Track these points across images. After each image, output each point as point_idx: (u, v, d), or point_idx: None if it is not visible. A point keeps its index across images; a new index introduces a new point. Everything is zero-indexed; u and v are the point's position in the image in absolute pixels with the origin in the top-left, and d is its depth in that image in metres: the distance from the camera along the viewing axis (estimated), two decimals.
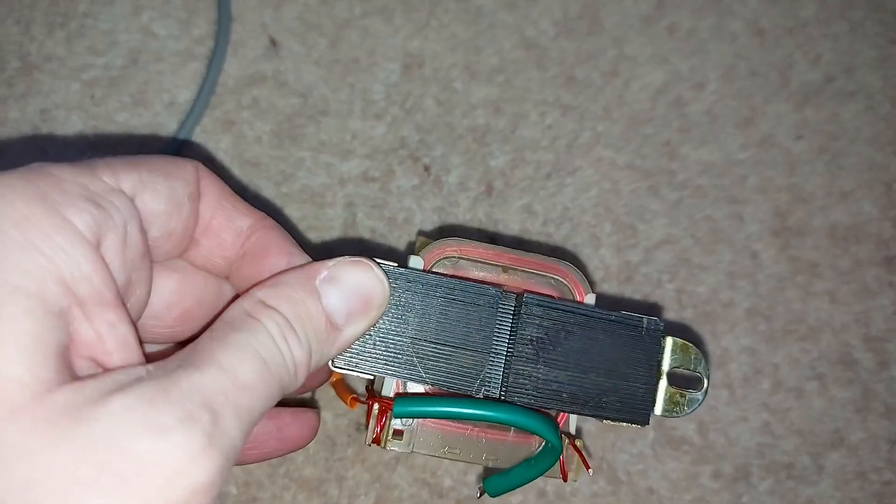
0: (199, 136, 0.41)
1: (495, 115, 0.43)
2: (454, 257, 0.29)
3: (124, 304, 0.20)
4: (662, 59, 0.45)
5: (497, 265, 0.29)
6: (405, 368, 0.26)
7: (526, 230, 0.42)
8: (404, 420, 0.28)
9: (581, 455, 0.29)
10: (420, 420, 0.28)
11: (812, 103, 0.46)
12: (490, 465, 0.29)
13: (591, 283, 0.30)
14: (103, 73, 0.42)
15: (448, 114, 0.43)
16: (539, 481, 0.39)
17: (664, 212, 0.43)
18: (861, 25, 0.47)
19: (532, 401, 0.27)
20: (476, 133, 0.43)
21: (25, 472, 0.16)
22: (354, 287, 0.24)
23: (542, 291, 0.29)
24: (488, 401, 0.27)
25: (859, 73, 0.46)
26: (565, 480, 0.28)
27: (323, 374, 0.30)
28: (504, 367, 0.27)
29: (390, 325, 0.26)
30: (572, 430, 0.29)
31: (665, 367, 0.28)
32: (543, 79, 0.44)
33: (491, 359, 0.27)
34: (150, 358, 0.20)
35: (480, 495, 0.31)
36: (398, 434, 0.28)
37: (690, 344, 0.29)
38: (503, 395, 0.27)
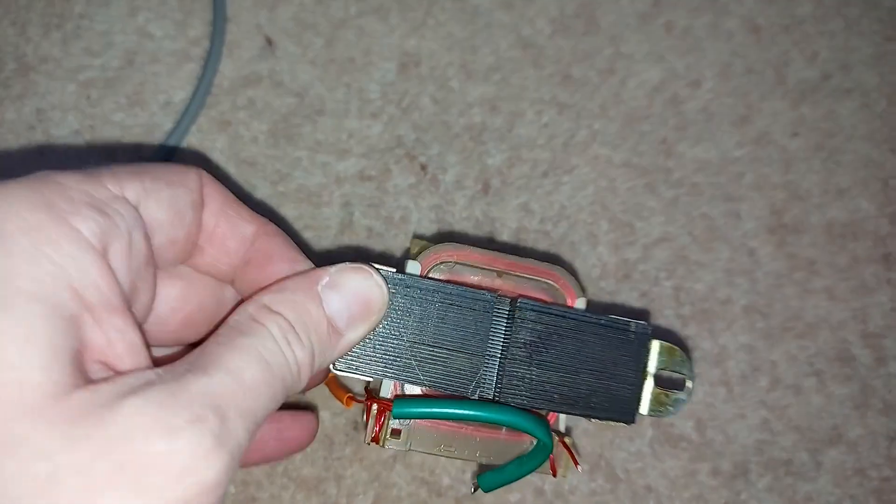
0: (194, 137, 0.41)
1: (492, 113, 0.43)
2: (450, 262, 0.30)
3: (131, 310, 0.20)
4: (659, 56, 0.45)
5: (492, 270, 0.30)
6: (403, 371, 0.27)
7: (523, 228, 0.42)
8: (402, 421, 0.29)
9: (570, 452, 0.30)
10: (417, 421, 0.29)
11: (808, 101, 0.46)
12: (484, 461, 0.30)
13: (583, 288, 0.31)
14: (99, 74, 0.42)
15: (444, 112, 0.43)
16: (537, 480, 0.39)
17: (661, 209, 0.43)
18: (857, 23, 0.47)
19: (525, 402, 0.28)
20: (472, 132, 0.43)
21: (47, 470, 0.16)
22: (355, 292, 0.24)
23: (535, 296, 0.30)
24: (483, 402, 0.27)
25: (856, 70, 0.46)
26: (555, 476, 0.29)
27: (322, 375, 0.31)
28: (498, 370, 0.28)
29: (389, 329, 0.27)
30: (562, 429, 0.30)
31: (651, 368, 0.29)
32: (540, 77, 0.44)
33: (486, 361, 0.27)
34: (157, 362, 0.20)
35: (475, 490, 0.31)
36: (396, 433, 0.29)
37: (676, 347, 0.30)
38: (497, 397, 0.28)
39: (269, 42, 0.43)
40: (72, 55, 0.42)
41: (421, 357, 0.27)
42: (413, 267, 0.29)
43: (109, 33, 0.42)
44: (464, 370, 0.27)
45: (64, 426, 0.17)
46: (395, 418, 0.28)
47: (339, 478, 0.38)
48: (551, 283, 0.30)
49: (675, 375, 0.30)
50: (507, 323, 0.28)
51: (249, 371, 0.20)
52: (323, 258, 0.40)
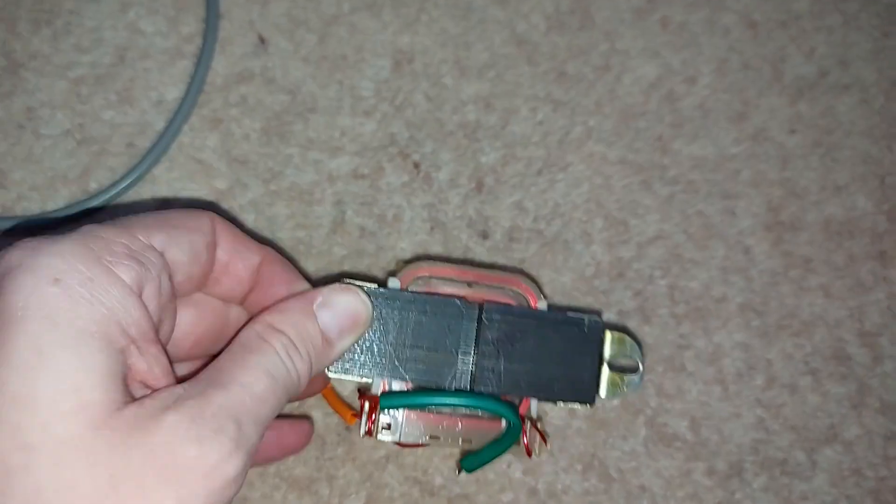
0: (186, 135, 0.41)
1: (486, 111, 0.43)
2: (426, 276, 0.34)
3: (160, 339, 0.25)
4: (654, 52, 0.45)
5: (463, 281, 0.34)
6: (388, 370, 0.31)
7: (516, 227, 0.41)
8: (392, 414, 0.32)
9: (541, 434, 0.33)
10: (405, 414, 0.32)
11: (806, 97, 0.45)
12: (466, 447, 0.33)
13: (544, 293, 0.35)
14: (90, 71, 0.41)
15: (438, 110, 0.43)
16: (531, 482, 0.38)
17: (656, 207, 0.43)
18: (855, 18, 0.47)
19: (496, 390, 0.32)
20: (466, 129, 0.43)
21: (109, 471, 0.21)
22: (344, 309, 0.29)
23: (501, 301, 0.34)
24: (459, 391, 0.32)
25: (854, 66, 0.46)
26: (529, 456, 0.33)
27: (319, 384, 0.35)
28: (472, 364, 0.32)
29: (374, 335, 0.31)
30: (534, 415, 0.33)
31: (606, 356, 0.33)
32: (534, 74, 0.44)
33: (460, 357, 0.32)
34: (179, 378, 0.25)
35: (459, 472, 0.35)
36: (387, 426, 0.32)
37: (626, 336, 0.34)
38: (471, 386, 0.32)
39: (262, 39, 0.43)
40: (62, 52, 0.41)
41: (403, 357, 0.31)
42: (393, 283, 0.33)
43: (100, 30, 0.42)
44: (441, 366, 0.31)
45: (121, 436, 0.21)
46: (383, 408, 0.31)
47: (332, 478, 0.38)
48: (515, 289, 0.34)
49: (629, 360, 0.34)
50: (476, 324, 0.32)
51: (259, 385, 0.24)
52: (317, 259, 0.40)
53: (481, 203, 0.42)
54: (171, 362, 0.25)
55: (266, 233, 0.40)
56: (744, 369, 0.41)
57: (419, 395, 0.31)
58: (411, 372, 0.31)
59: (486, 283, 0.34)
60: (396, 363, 0.31)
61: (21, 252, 0.23)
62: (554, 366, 0.32)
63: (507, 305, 0.33)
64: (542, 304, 0.34)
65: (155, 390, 0.24)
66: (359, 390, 0.35)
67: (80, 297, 0.22)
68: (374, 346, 0.31)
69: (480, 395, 0.31)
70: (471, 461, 0.33)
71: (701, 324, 0.41)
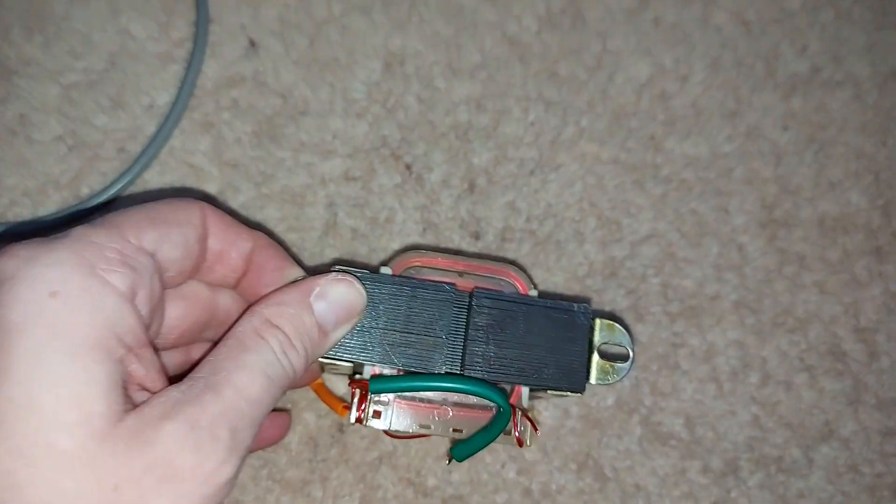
0: (177, 139, 0.41)
1: (477, 112, 0.43)
2: (417, 266, 0.34)
3: (152, 341, 0.25)
4: (647, 51, 0.45)
5: (454, 271, 0.34)
6: (378, 354, 0.31)
7: (509, 227, 0.41)
8: (382, 403, 0.32)
9: (532, 422, 0.33)
10: (395, 401, 0.32)
11: (799, 93, 0.45)
12: (456, 437, 0.33)
13: (534, 282, 0.35)
14: (82, 77, 0.41)
15: (430, 111, 0.43)
16: (525, 482, 0.38)
17: (649, 206, 0.43)
18: (848, 13, 0.47)
19: (485, 375, 0.31)
20: (458, 130, 0.43)
21: (112, 481, 0.22)
22: (340, 300, 0.29)
23: (491, 289, 0.34)
24: (448, 375, 0.31)
25: (846, 61, 0.46)
26: (521, 446, 0.33)
27: (309, 375, 0.35)
28: (462, 349, 0.31)
29: (365, 320, 0.31)
30: (525, 405, 0.33)
31: (596, 343, 0.33)
32: (526, 74, 0.44)
33: (449, 343, 0.31)
34: (171, 379, 0.26)
35: (449, 462, 0.35)
36: (377, 414, 0.32)
37: (615, 323, 0.33)
38: (461, 372, 0.31)
39: (253, 43, 0.43)
40: (54, 57, 0.42)
41: (393, 342, 0.31)
42: (385, 272, 0.33)
43: (91, 35, 0.42)
44: (431, 351, 0.31)
45: (122, 447, 0.22)
46: (372, 393, 0.31)
47: (325, 479, 0.38)
48: (506, 279, 0.34)
49: (619, 349, 0.34)
50: (466, 310, 0.32)
51: (254, 388, 0.25)
52: (310, 262, 0.40)
53: (473, 204, 0.42)
54: (160, 359, 0.26)
55: None
56: (738, 367, 0.41)
57: (409, 380, 0.31)
58: (401, 357, 0.31)
59: (476, 272, 0.34)
60: (386, 348, 0.31)
61: (15, 262, 0.23)
62: (544, 352, 0.32)
63: (498, 292, 0.33)
64: (532, 294, 0.34)
65: (153, 394, 0.24)
66: (349, 377, 0.35)
67: (77, 310, 0.23)
68: (365, 331, 0.31)
69: (470, 379, 0.31)
70: (461, 450, 0.33)
71: (695, 322, 0.41)
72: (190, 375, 0.25)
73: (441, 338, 0.31)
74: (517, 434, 0.33)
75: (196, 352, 0.32)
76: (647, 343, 0.41)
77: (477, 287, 0.33)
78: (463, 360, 0.31)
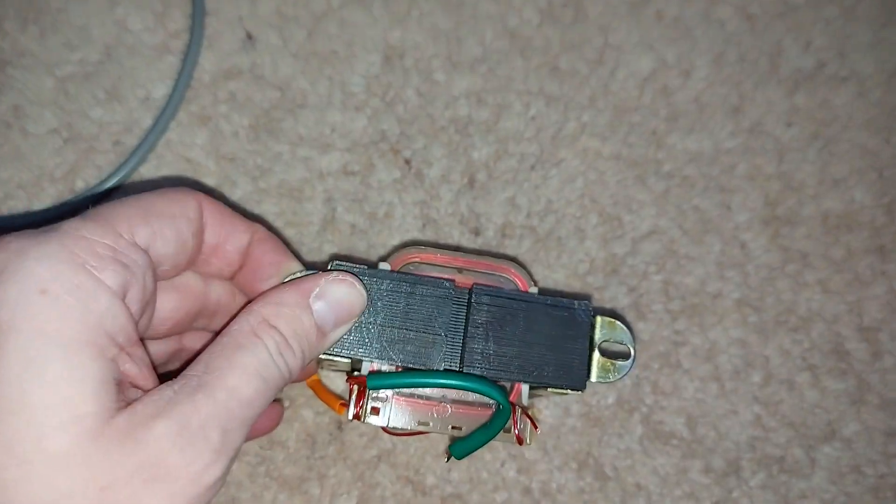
0: (174, 132, 0.40)
1: (478, 106, 0.42)
2: (416, 262, 0.33)
3: (142, 336, 0.25)
4: (649, 46, 0.44)
5: (453, 267, 0.34)
6: (376, 351, 0.30)
7: (509, 224, 0.41)
8: (381, 400, 0.32)
9: (532, 420, 0.33)
10: (394, 398, 0.32)
11: (803, 89, 0.45)
12: (455, 434, 0.32)
13: (534, 279, 0.34)
14: (77, 68, 0.41)
15: (429, 105, 0.42)
16: (525, 481, 0.38)
17: (651, 202, 0.42)
18: (853, 9, 0.46)
19: (485, 372, 0.31)
20: (458, 125, 0.42)
21: (104, 481, 0.22)
22: (340, 301, 0.29)
23: (491, 285, 0.33)
24: (446, 372, 0.31)
25: (851, 57, 0.45)
26: (521, 444, 0.32)
27: (308, 369, 0.34)
28: (461, 346, 0.31)
29: (363, 315, 0.31)
30: (525, 402, 0.33)
31: (597, 340, 0.33)
32: (527, 68, 0.43)
33: (448, 339, 0.31)
34: (163, 377, 0.26)
35: (448, 459, 0.34)
36: (375, 411, 0.32)
37: (616, 321, 0.33)
38: (460, 369, 0.31)
39: (250, 35, 0.42)
40: (49, 49, 0.41)
41: (391, 338, 0.31)
42: (384, 267, 0.32)
43: (87, 27, 0.41)
44: (430, 348, 0.31)
45: (114, 445, 0.22)
46: (370, 389, 0.31)
47: (323, 477, 0.37)
48: (505, 276, 0.34)
49: (620, 347, 0.33)
50: (465, 307, 0.31)
51: (248, 390, 0.24)
52: (308, 257, 0.40)
53: (473, 199, 0.41)
54: (150, 354, 0.26)
55: None
56: (741, 366, 0.41)
57: (407, 376, 0.30)
58: (399, 353, 0.31)
59: (476, 269, 0.34)
60: (385, 344, 0.30)
61: (5, 255, 0.23)
62: (544, 350, 0.31)
63: (497, 288, 0.32)
64: (532, 291, 0.34)
65: (146, 392, 0.24)
66: (347, 373, 0.35)
67: (68, 308, 0.22)
68: (363, 327, 0.30)
69: (470, 376, 0.31)
70: (460, 447, 0.32)
71: (697, 320, 0.41)
72: (184, 373, 0.25)
73: (440, 334, 0.31)
74: (517, 432, 0.32)
75: (188, 340, 0.32)
76: (649, 341, 0.40)
77: (476, 283, 0.32)
78: (462, 356, 0.31)
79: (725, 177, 0.43)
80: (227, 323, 0.27)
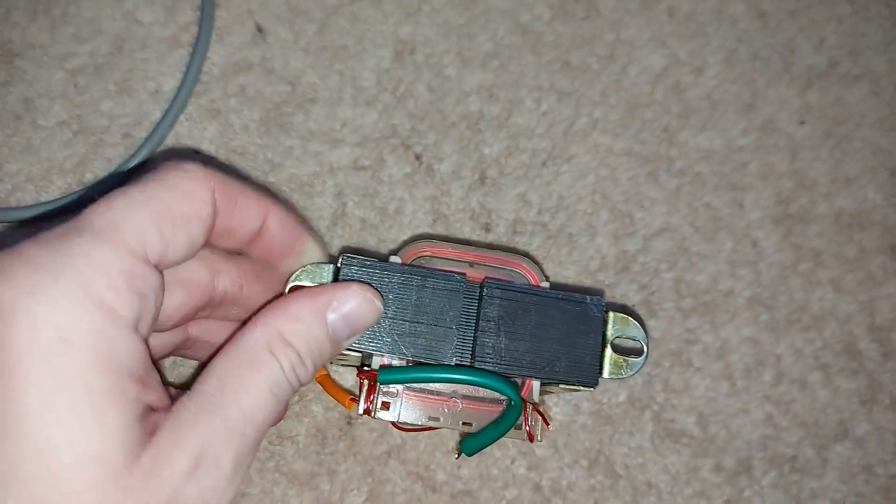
0: (184, 125, 0.40)
1: (489, 101, 0.42)
2: (427, 256, 0.33)
3: (154, 358, 0.25)
4: (661, 42, 0.44)
5: (464, 262, 0.34)
6: (387, 345, 0.30)
7: (520, 220, 0.41)
8: (391, 395, 0.32)
9: (543, 417, 0.33)
10: (404, 393, 0.32)
11: (815, 87, 0.44)
12: (466, 430, 0.32)
13: (546, 274, 0.34)
14: (88, 61, 0.41)
15: (440, 101, 0.42)
16: (535, 477, 0.38)
17: (663, 199, 0.42)
18: (866, 7, 0.46)
19: (496, 368, 0.31)
20: (469, 120, 0.42)
21: None
22: (356, 314, 0.29)
23: (502, 279, 0.33)
24: (457, 366, 0.31)
25: (864, 56, 0.45)
26: (532, 441, 0.32)
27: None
28: (472, 341, 0.31)
29: None
30: (535, 399, 0.32)
31: (609, 336, 0.32)
32: (539, 64, 0.43)
33: (459, 334, 0.31)
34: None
35: (458, 456, 0.34)
36: (385, 406, 0.32)
37: (629, 316, 0.32)
38: (472, 364, 0.31)
39: (260, 29, 0.42)
40: (59, 42, 0.41)
41: (402, 332, 0.30)
42: (395, 261, 0.32)
43: (98, 19, 0.41)
44: (441, 342, 0.30)
45: (139, 487, 0.22)
46: (380, 383, 0.31)
47: (333, 473, 0.37)
48: (517, 270, 0.34)
49: (632, 343, 0.33)
50: (477, 301, 0.31)
51: (261, 412, 0.25)
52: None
53: (484, 195, 0.41)
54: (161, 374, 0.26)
55: None
56: (752, 364, 0.40)
57: (418, 371, 0.30)
58: (410, 348, 0.30)
59: (487, 263, 0.34)
60: (395, 338, 0.30)
61: (12, 293, 0.22)
62: (556, 345, 0.31)
63: (509, 282, 0.32)
64: (544, 286, 0.34)
65: (163, 412, 0.24)
66: (357, 367, 0.34)
67: (90, 356, 0.22)
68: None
69: (481, 371, 0.30)
70: (470, 444, 0.32)
71: (708, 318, 0.41)
72: (198, 387, 0.25)
73: (451, 328, 0.31)
74: (528, 429, 0.32)
75: (193, 328, 0.32)
76: (660, 339, 0.40)
77: (488, 277, 0.32)
78: (473, 351, 0.31)
79: (738, 174, 0.43)
80: (239, 328, 0.27)
